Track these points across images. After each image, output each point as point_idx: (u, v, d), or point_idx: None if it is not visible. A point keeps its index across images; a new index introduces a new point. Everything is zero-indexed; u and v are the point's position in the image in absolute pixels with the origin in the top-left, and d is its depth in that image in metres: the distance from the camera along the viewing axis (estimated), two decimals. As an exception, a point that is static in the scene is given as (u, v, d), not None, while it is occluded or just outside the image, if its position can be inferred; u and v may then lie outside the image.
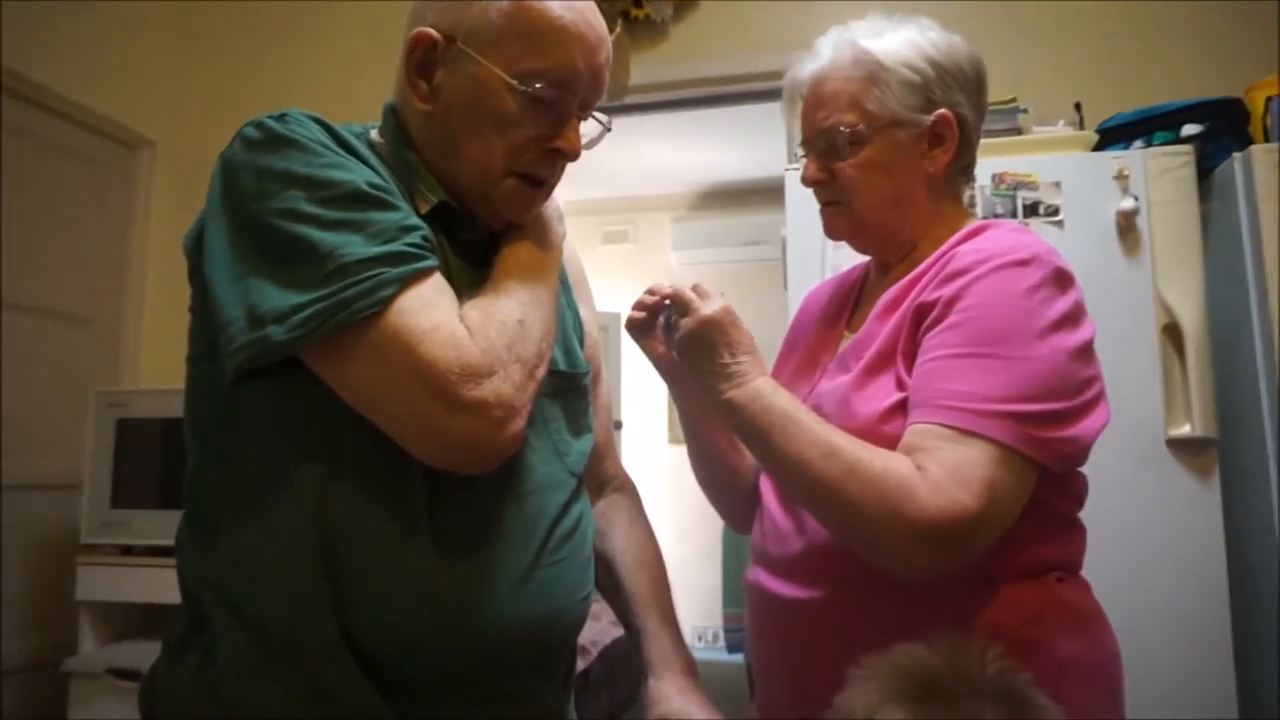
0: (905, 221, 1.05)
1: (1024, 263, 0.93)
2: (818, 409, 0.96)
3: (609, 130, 0.93)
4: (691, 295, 0.99)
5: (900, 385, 0.94)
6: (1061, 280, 0.94)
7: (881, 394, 0.95)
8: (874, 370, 0.97)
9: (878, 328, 1.00)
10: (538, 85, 0.83)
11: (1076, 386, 0.90)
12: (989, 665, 0.68)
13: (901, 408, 0.92)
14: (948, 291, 0.93)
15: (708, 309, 0.97)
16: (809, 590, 0.96)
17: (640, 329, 1.08)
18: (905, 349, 0.96)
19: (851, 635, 0.92)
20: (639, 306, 1.07)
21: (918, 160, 1.03)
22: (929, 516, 0.81)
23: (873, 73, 1.01)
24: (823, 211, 1.10)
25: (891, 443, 0.89)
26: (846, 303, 1.15)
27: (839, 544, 0.93)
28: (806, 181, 1.08)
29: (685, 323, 0.98)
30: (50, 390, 2.82)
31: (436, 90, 0.86)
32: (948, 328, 0.91)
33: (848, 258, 1.17)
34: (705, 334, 0.96)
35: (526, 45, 0.83)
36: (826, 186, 1.07)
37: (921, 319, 0.95)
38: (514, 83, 0.83)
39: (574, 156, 0.88)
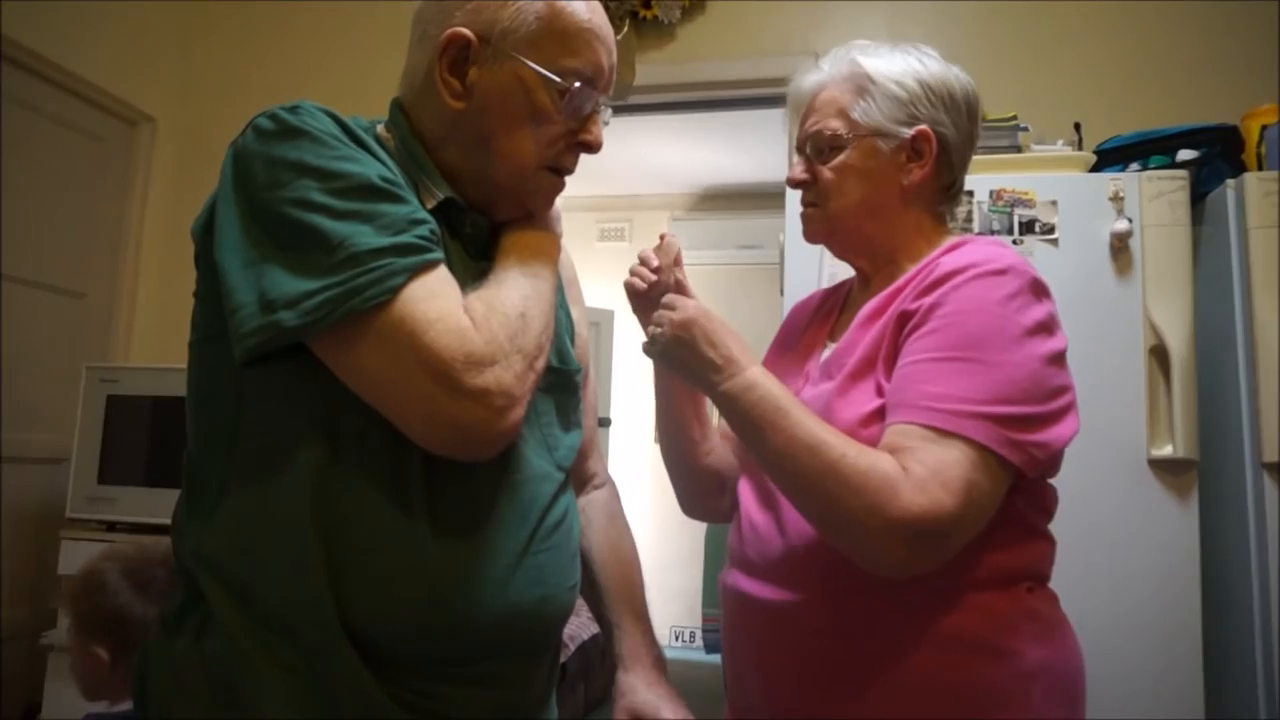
0: (879, 230, 1.09)
1: (1000, 272, 0.96)
2: None
3: (607, 123, 0.97)
4: (661, 309, 1.02)
5: (880, 392, 0.97)
6: (1036, 290, 0.97)
7: (862, 400, 0.98)
8: (856, 377, 1.00)
9: (859, 336, 1.03)
10: (576, 83, 0.88)
11: (1049, 393, 0.93)
12: None
13: (880, 413, 0.95)
14: (928, 300, 0.96)
15: (679, 314, 0.99)
16: (786, 592, 0.98)
17: (637, 299, 1.13)
18: (886, 356, 0.98)
19: (826, 638, 0.96)
20: (636, 274, 1.13)
21: (894, 171, 1.06)
22: (911, 515, 0.84)
23: (861, 85, 1.07)
24: (801, 214, 1.14)
25: (871, 446, 0.91)
26: (831, 313, 1.19)
27: (817, 547, 0.95)
28: (790, 182, 1.13)
29: (660, 333, 1.00)
30: (40, 363, 2.81)
31: (470, 88, 0.88)
32: (927, 333, 0.94)
33: (845, 267, 1.19)
34: (683, 336, 0.98)
35: (563, 45, 0.89)
36: (808, 188, 1.11)
37: (903, 326, 0.98)
38: (556, 79, 0.87)
39: (598, 148, 0.93)
